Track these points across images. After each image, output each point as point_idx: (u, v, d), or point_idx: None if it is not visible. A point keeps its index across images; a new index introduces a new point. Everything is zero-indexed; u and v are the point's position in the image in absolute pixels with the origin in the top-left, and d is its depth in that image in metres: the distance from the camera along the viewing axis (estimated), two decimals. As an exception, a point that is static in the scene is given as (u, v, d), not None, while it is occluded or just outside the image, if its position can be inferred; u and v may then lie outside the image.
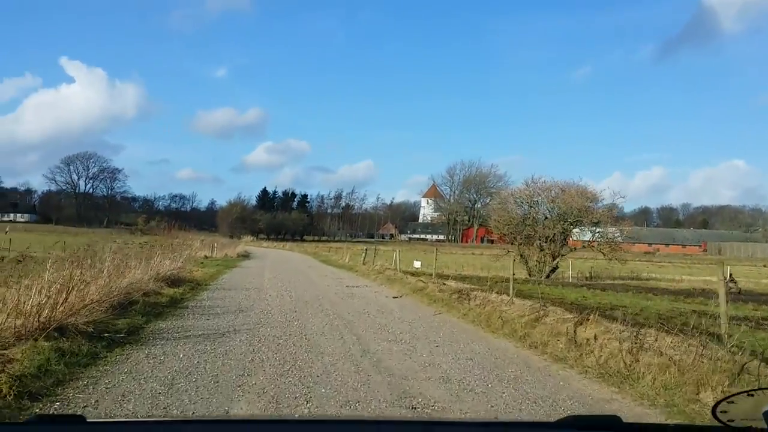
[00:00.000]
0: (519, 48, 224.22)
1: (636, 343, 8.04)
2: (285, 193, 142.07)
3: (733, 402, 2.02)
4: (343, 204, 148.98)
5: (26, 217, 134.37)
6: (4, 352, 7.22)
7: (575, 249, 39.65)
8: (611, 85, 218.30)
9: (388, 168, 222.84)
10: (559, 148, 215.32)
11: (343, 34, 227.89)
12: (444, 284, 19.74)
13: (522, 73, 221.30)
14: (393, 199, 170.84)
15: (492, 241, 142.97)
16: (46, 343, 7.73)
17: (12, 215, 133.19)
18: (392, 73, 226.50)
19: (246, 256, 47.91)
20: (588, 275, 40.09)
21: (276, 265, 35.91)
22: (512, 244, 40.14)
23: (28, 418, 2.13)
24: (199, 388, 6.69)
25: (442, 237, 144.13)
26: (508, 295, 16.91)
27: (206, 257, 41.02)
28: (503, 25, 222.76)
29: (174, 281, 18.62)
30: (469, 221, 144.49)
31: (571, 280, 37.21)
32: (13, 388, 6.13)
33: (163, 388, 6.66)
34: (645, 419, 6.12)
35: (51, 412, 5.72)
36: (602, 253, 37.91)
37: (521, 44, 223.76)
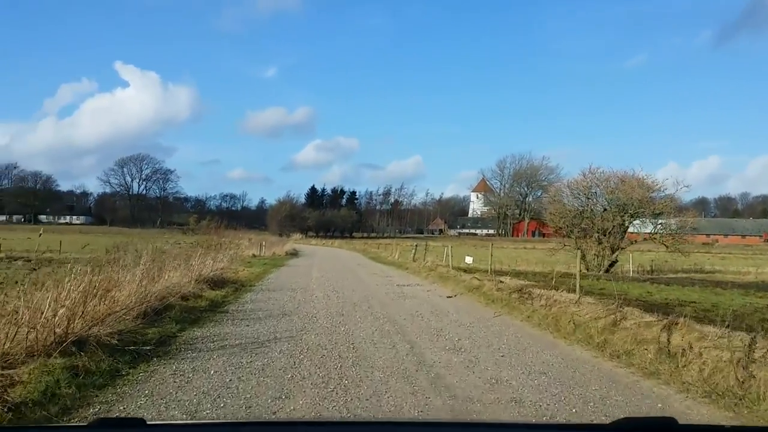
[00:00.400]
0: (570, 38, 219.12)
1: (749, 355, 6.64)
2: (333, 191, 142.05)
3: None
4: (392, 200, 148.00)
5: (82, 219, 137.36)
6: (9, 372, 6.30)
7: (635, 242, 37.63)
8: (666, 73, 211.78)
9: (437, 163, 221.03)
10: (611, 139, 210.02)
11: (391, 30, 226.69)
12: (501, 282, 18.42)
13: (573, 63, 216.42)
14: (442, 194, 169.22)
15: (544, 235, 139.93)
16: (59, 360, 6.79)
17: (68, 217, 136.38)
18: (441, 67, 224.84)
19: (294, 254, 47.26)
20: (648, 269, 38.11)
21: (324, 264, 35.04)
22: (569, 237, 38.40)
23: (90, 422, 2.16)
24: (226, 416, 5.63)
25: (492, 231, 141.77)
26: (574, 292, 15.57)
27: (254, 256, 40.47)
28: (553, 15, 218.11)
29: (217, 282, 17.78)
30: (519, 215, 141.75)
31: (631, 274, 35.37)
32: (6, 418, 5.18)
33: (184, 416, 5.62)
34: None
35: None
36: (664, 245, 35.87)
37: (572, 34, 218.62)
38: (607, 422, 2.09)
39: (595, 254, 36.72)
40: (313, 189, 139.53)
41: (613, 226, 36.24)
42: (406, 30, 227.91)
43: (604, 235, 36.55)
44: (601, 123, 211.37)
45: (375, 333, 10.41)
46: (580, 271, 36.25)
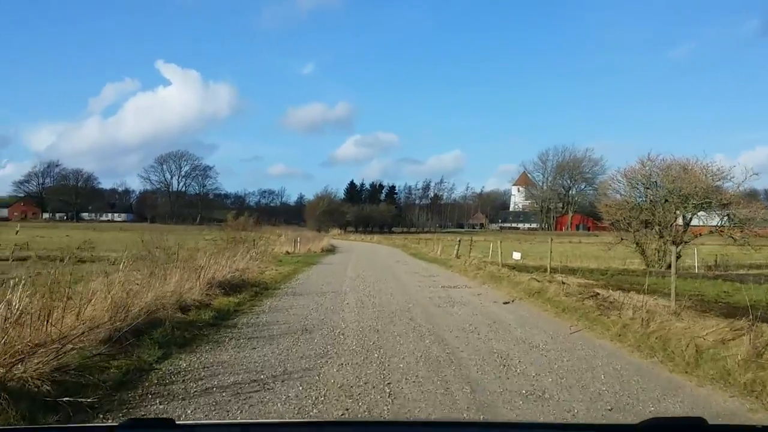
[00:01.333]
0: (613, 28, 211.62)
1: None
2: (372, 185, 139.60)
3: None
4: (432, 194, 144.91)
5: (123, 216, 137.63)
6: None
7: (699, 235, 34.08)
8: (711, 63, 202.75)
9: (476, 157, 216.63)
10: (654, 131, 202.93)
11: (430, 22, 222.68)
12: (564, 283, 15.52)
13: (616, 54, 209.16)
14: (483, 187, 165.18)
15: (589, 229, 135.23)
16: None
17: (110, 215, 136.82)
18: (480, 59, 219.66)
19: (330, 250, 44.80)
20: (713, 263, 34.65)
21: (361, 261, 32.43)
22: (626, 231, 35.06)
23: (122, 422, 2.16)
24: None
25: (534, 225, 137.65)
26: (653, 295, 12.68)
27: (287, 253, 38.13)
28: (595, 6, 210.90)
29: (234, 286, 15.26)
30: (563, 208, 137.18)
31: (697, 271, 32.00)
32: None
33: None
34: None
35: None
36: (732, 238, 32.28)
37: (615, 25, 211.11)
38: (636, 423, 2.08)
39: (656, 249, 33.38)
40: (351, 184, 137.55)
41: (675, 218, 32.86)
42: (445, 23, 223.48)
43: (666, 228, 33.22)
44: (645, 115, 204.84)
45: (419, 362, 7.68)
46: (638, 267, 33.03)
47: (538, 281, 16.56)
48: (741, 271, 31.51)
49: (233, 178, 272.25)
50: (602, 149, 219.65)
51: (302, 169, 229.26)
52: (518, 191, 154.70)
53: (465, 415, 5.53)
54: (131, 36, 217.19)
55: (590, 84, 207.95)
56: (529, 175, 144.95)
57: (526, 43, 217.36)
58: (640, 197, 34.14)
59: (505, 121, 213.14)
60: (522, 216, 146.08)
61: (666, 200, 33.34)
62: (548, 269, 20.42)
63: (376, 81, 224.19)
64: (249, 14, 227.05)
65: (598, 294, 12.88)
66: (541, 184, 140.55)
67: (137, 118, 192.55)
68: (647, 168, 33.45)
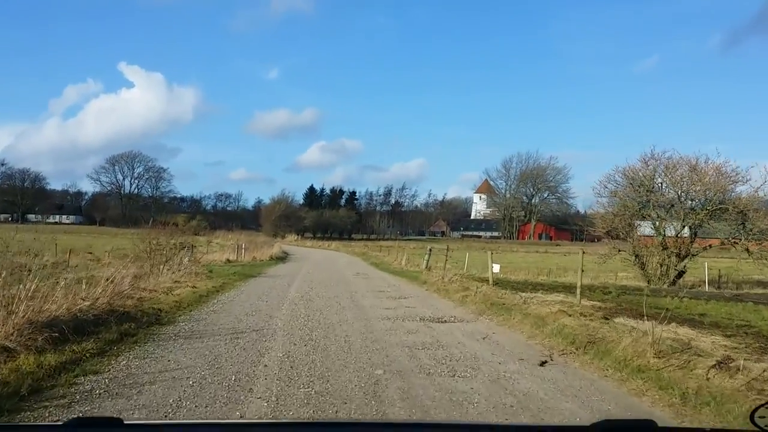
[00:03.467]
0: (578, 40, 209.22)
1: None
2: (333, 191, 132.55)
3: None
4: (393, 201, 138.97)
5: (72, 218, 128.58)
6: None
7: (708, 247, 28.81)
8: (676, 75, 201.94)
9: (439, 165, 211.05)
10: (620, 143, 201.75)
11: (395, 31, 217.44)
12: (606, 318, 9.70)
13: (581, 65, 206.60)
14: (445, 195, 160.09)
15: (551, 238, 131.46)
16: None
17: (57, 217, 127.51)
18: (446, 68, 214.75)
19: (281, 258, 38.43)
20: (718, 280, 29.68)
21: (313, 273, 26.23)
22: (625, 240, 29.68)
23: (66, 421, 2.03)
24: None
25: (496, 234, 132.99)
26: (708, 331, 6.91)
27: (228, 261, 31.74)
28: (559, 17, 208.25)
29: (88, 324, 9.00)
30: (525, 217, 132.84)
31: (707, 288, 26.88)
32: None
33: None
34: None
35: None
36: (747, 251, 27.10)
37: (580, 36, 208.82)
38: (587, 425, 2.04)
39: (659, 262, 28.02)
40: (311, 189, 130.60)
41: (685, 226, 27.52)
42: (410, 30, 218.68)
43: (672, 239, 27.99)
44: (609, 126, 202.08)
45: None
46: (635, 283, 27.64)
47: (567, 314, 10.71)
48: (759, 291, 26.37)
49: (196, 182, 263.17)
50: (566, 159, 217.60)
51: (265, 174, 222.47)
52: (480, 199, 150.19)
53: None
54: (95, 37, 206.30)
55: (556, 94, 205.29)
56: (491, 182, 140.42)
57: (492, 53, 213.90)
58: (641, 201, 28.69)
59: (469, 130, 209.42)
60: (484, 224, 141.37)
61: (672, 205, 28.08)
62: (578, 290, 14.54)
63: (341, 87, 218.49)
64: (222, 18, 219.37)
65: (680, 339, 7.05)
66: (504, 192, 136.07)
67: (98, 121, 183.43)
68: (650, 167, 28.05)
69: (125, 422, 1.96)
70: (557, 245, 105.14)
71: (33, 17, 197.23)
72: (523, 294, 15.81)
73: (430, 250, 29.72)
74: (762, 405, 2.04)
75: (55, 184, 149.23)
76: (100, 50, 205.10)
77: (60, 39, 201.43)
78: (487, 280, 23.49)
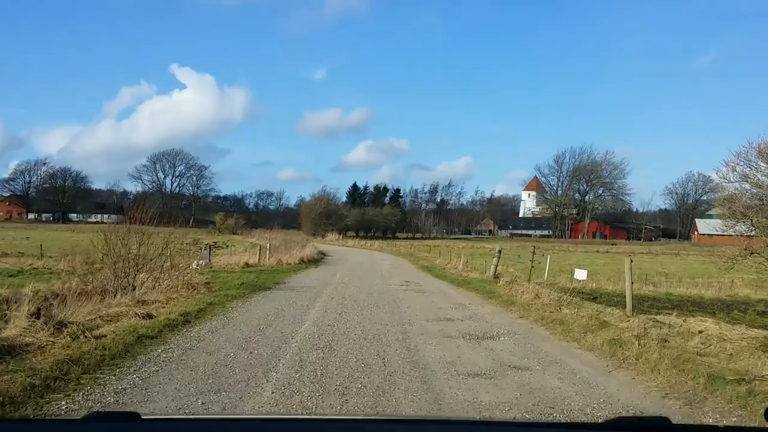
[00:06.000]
0: (631, 35, 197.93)
1: None
2: (376, 188, 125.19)
3: None
4: (439, 199, 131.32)
5: (113, 218, 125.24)
6: None
7: None
8: (734, 71, 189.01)
9: (486, 164, 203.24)
10: (670, 138, 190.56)
11: (443, 30, 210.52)
12: None
13: (632, 60, 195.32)
14: (493, 192, 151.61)
15: (606, 236, 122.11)
16: None
17: (99, 216, 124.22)
18: (493, 66, 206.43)
19: (314, 261, 31.88)
20: None
21: (348, 283, 19.54)
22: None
23: (86, 415, 2.07)
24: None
25: (546, 232, 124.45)
26: None
27: (247, 265, 25.39)
28: (611, 12, 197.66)
29: None
30: (578, 214, 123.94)
31: None
32: None
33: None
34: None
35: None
36: None
37: (633, 31, 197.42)
38: (601, 421, 1.99)
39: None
40: (354, 186, 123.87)
41: None
42: (458, 29, 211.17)
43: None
44: (665, 122, 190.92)
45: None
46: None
47: None
48: None
49: (242, 183, 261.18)
50: (619, 156, 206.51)
51: (313, 174, 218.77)
52: (529, 196, 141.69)
53: None
54: (149, 39, 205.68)
55: (608, 90, 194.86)
56: (543, 178, 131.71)
57: (540, 49, 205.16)
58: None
59: (517, 127, 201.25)
60: (533, 222, 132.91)
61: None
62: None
63: (390, 87, 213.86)
64: (276, 19, 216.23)
65: None
66: (555, 189, 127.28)
67: (151, 122, 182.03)
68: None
69: (142, 417, 1.94)
70: (613, 244, 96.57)
71: (88, 19, 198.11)
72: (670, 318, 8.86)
73: (500, 251, 22.73)
74: None
75: (100, 185, 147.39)
76: (153, 52, 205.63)
77: (115, 40, 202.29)
78: (595, 296, 16.57)
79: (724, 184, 22.78)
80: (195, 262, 25.88)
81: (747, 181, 22.10)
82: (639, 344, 7.51)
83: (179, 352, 7.75)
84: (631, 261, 10.96)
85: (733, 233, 24.43)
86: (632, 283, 10.74)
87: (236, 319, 10.86)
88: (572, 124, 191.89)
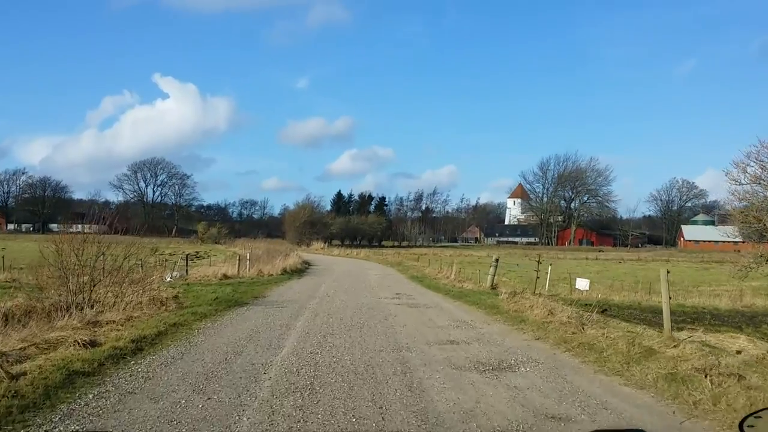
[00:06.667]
0: (612, 44, 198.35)
1: None
2: (361, 196, 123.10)
3: (760, 417, 1.97)
4: (424, 207, 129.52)
5: (95, 228, 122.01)
6: None
7: None
8: (712, 79, 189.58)
9: (470, 172, 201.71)
10: (652, 146, 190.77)
11: (427, 38, 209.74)
12: None
13: (614, 69, 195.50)
14: (478, 199, 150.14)
15: (592, 243, 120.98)
16: None
17: (80, 226, 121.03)
18: (477, 75, 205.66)
19: (298, 271, 30.00)
20: None
21: (334, 297, 17.70)
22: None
23: None
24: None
25: (533, 240, 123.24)
26: None
27: (225, 277, 23.50)
28: (591, 21, 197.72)
29: None
30: (564, 221, 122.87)
31: None
32: None
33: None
34: None
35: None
36: None
37: (613, 40, 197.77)
38: None
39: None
40: (338, 194, 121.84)
41: None
42: (441, 38, 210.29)
43: None
44: (640, 130, 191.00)
45: None
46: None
47: None
48: None
49: (227, 192, 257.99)
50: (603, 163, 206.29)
51: (297, 183, 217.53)
52: (514, 204, 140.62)
53: None
54: (131, 48, 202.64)
55: (590, 99, 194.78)
56: (528, 186, 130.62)
57: (522, 58, 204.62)
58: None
59: (500, 136, 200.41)
60: (519, 230, 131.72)
61: None
62: None
63: (374, 96, 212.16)
64: (260, 29, 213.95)
65: None
66: (540, 196, 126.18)
67: (134, 132, 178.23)
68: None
69: None
70: (600, 251, 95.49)
71: (71, 29, 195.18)
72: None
73: (497, 261, 21.03)
74: (751, 414, 1.94)
75: (81, 195, 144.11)
76: (136, 61, 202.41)
77: (97, 51, 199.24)
78: (604, 308, 14.97)
79: (734, 186, 21.33)
80: (169, 273, 23.92)
81: (759, 183, 20.66)
82: (711, 383, 5.77)
83: (115, 399, 5.89)
84: (668, 272, 9.22)
85: (741, 239, 22.97)
86: (669, 298, 8.98)
87: (200, 345, 9.00)
88: (555, 133, 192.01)
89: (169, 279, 22.53)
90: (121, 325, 10.87)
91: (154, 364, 7.49)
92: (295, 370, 7.25)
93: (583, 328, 9.57)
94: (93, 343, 8.57)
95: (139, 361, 7.67)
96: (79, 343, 8.34)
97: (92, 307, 12.46)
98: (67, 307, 12.32)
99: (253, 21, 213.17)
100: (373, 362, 7.81)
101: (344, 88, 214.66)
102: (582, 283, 18.68)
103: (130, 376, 6.89)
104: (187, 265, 26.37)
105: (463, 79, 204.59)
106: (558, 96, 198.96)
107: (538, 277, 17.02)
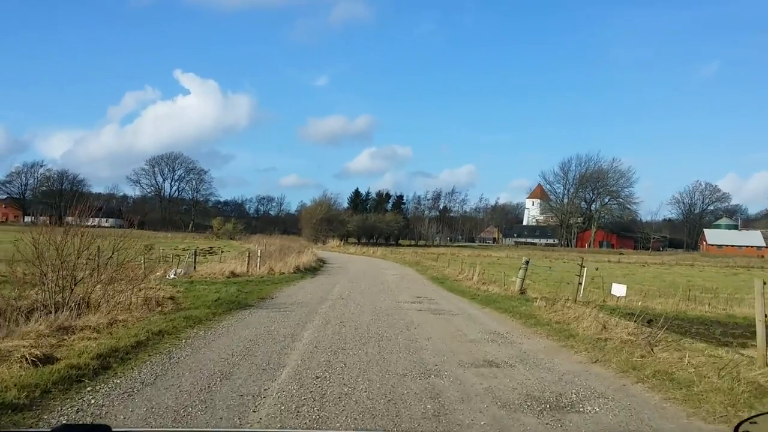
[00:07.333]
0: (630, 46, 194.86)
1: None
2: (379, 194, 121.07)
3: (756, 423, 1.84)
4: (442, 206, 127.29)
5: (111, 221, 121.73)
6: None
7: None
8: (733, 82, 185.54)
9: (489, 172, 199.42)
10: (673, 148, 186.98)
11: (443, 38, 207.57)
12: None
13: (638, 70, 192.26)
14: (497, 199, 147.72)
15: (612, 246, 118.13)
16: None
17: (97, 220, 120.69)
18: (495, 75, 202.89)
19: (312, 270, 28.31)
20: None
21: (349, 299, 15.94)
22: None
23: (54, 427, 1.84)
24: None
25: (551, 241, 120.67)
26: None
27: (232, 275, 21.87)
28: (614, 22, 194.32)
29: None
30: (584, 223, 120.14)
31: None
32: None
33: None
34: None
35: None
36: None
37: (632, 42, 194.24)
38: None
39: None
40: (356, 192, 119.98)
41: None
42: (460, 38, 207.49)
43: None
44: (663, 132, 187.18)
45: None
46: None
47: None
48: None
49: (245, 189, 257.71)
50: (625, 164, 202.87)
51: (315, 181, 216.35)
52: (533, 204, 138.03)
53: None
54: (154, 44, 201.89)
55: (609, 100, 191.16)
56: (548, 186, 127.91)
57: (541, 58, 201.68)
58: None
59: (518, 136, 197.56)
60: (538, 231, 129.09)
61: None
62: None
63: (394, 95, 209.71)
64: (282, 26, 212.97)
65: None
66: (561, 197, 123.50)
67: (155, 127, 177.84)
68: None
69: (113, 430, 1.76)
70: (621, 254, 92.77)
71: (94, 24, 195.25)
72: None
73: (527, 263, 19.17)
74: (746, 420, 1.82)
75: (100, 188, 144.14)
76: (158, 57, 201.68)
77: (120, 45, 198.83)
78: (650, 319, 13.00)
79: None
80: (173, 270, 22.35)
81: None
82: None
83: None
84: (765, 284, 7.33)
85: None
86: (766, 316, 7.11)
87: (182, 362, 7.28)
88: (574, 135, 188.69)
89: (172, 276, 20.94)
90: (98, 332, 9.23)
91: (113, 394, 5.76)
92: (294, 407, 5.48)
93: (652, 350, 7.72)
94: (47, 359, 6.88)
95: (97, 388, 5.95)
96: (27, 359, 6.66)
97: (73, 308, 10.88)
98: (46, 308, 10.79)
99: (275, 18, 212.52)
100: (395, 395, 6.03)
101: (364, 86, 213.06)
102: (618, 289, 16.77)
103: (77, 412, 5.17)
104: (195, 261, 24.81)
105: (480, 79, 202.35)
106: (579, 96, 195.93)
107: (580, 283, 15.11)
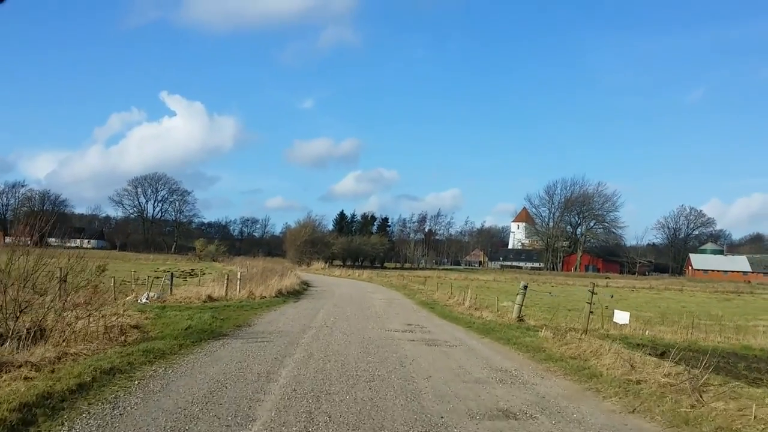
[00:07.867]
0: (615, 72, 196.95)
1: None
2: (364, 217, 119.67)
3: None
4: (427, 229, 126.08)
5: (93, 243, 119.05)
6: None
7: None
8: (718, 109, 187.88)
9: (475, 195, 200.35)
10: (657, 174, 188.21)
11: (431, 63, 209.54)
12: None
13: (623, 96, 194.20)
14: (483, 223, 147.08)
15: (598, 269, 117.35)
16: None
17: (78, 241, 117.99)
18: (482, 100, 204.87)
19: (295, 293, 26.76)
20: None
21: (334, 328, 14.45)
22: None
23: None
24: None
25: (537, 264, 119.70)
26: None
27: (209, 299, 20.31)
28: (599, 48, 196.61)
29: None
30: (570, 247, 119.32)
31: None
32: None
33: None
34: None
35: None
36: None
37: (622, 66, 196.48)
38: None
39: None
40: (341, 214, 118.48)
41: None
42: (447, 63, 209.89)
43: None
44: (647, 158, 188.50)
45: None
46: None
47: None
48: None
49: (230, 210, 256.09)
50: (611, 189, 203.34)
51: (300, 203, 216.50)
52: (518, 228, 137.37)
53: None
54: (141, 66, 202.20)
55: (593, 127, 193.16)
56: (533, 209, 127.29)
57: (527, 84, 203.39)
58: None
59: (503, 160, 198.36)
60: (523, 254, 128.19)
61: None
62: None
63: (381, 118, 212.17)
64: (271, 49, 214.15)
65: None
66: (546, 221, 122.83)
67: (140, 148, 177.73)
68: None
69: None
70: (608, 278, 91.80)
71: (79, 44, 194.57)
72: None
73: (525, 287, 17.80)
74: None
75: (82, 209, 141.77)
76: (145, 79, 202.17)
77: (106, 67, 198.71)
78: (662, 351, 11.67)
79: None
80: (145, 294, 20.73)
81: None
82: None
83: None
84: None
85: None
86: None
87: (127, 415, 5.80)
88: (559, 159, 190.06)
89: (144, 300, 19.34)
90: (38, 371, 7.75)
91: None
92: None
93: (701, 397, 6.36)
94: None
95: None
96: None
97: (23, 339, 9.39)
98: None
99: (264, 42, 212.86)
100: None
101: (351, 109, 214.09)
102: (621, 317, 15.54)
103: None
104: (172, 284, 23.20)
105: (468, 103, 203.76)
106: (564, 122, 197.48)
107: (592, 312, 13.76)
